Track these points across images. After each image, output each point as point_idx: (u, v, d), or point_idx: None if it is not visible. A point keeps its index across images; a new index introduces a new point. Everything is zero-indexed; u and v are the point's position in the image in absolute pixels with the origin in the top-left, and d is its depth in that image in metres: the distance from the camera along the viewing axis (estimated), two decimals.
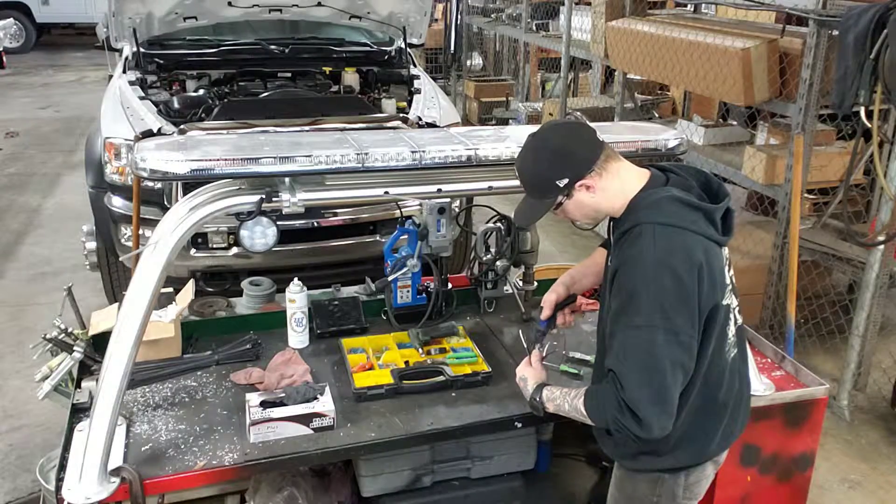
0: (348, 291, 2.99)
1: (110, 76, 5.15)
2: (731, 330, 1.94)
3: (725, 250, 1.92)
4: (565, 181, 1.84)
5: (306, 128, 4.06)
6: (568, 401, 1.96)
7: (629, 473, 2.04)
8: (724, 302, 1.86)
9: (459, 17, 8.74)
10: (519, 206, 1.97)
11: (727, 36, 4.33)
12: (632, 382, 1.73)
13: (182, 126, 3.98)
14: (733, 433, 2.04)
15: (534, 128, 2.05)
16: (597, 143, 1.88)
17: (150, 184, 3.78)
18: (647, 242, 1.75)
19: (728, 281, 1.91)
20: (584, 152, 1.86)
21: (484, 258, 2.93)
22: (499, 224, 2.89)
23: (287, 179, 2.12)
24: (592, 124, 2.04)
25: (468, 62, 10.41)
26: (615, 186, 1.86)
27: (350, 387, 2.33)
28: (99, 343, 2.38)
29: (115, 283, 4.32)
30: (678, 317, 1.73)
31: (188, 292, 2.71)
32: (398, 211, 3.23)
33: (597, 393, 1.87)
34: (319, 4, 5.12)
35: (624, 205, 1.86)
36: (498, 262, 2.90)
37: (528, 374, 2.14)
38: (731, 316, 1.93)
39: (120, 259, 3.75)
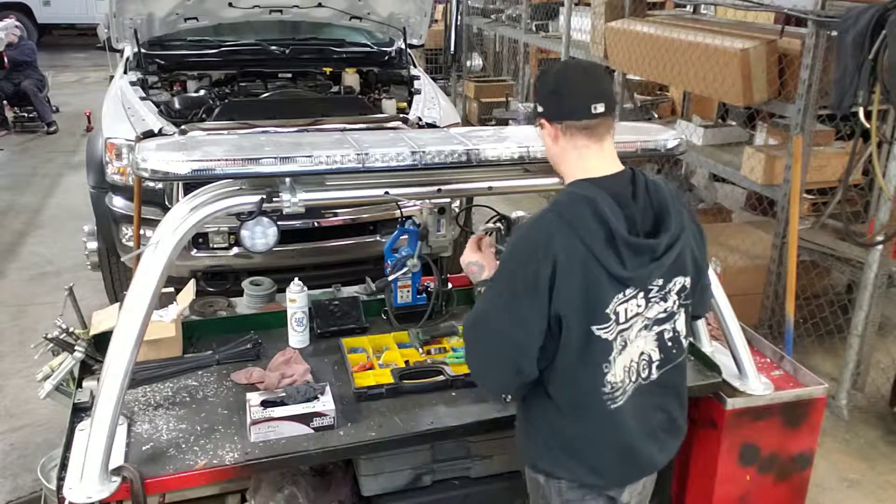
0: (348, 291, 2.98)
1: (111, 77, 5.16)
2: (619, 376, 1.81)
3: (641, 300, 1.80)
4: (540, 109, 1.88)
5: (307, 128, 4.07)
6: None
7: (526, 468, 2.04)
8: (603, 335, 1.76)
9: (459, 17, 8.74)
10: None
11: (726, 37, 4.34)
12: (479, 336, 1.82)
13: (183, 126, 3.99)
14: (618, 478, 1.93)
15: (533, 128, 2.06)
16: (585, 108, 1.78)
17: (151, 184, 3.79)
18: (531, 220, 1.82)
19: (627, 323, 1.79)
20: (567, 103, 1.82)
21: None
22: (499, 224, 2.89)
23: (287, 180, 2.12)
24: None
25: (468, 63, 10.41)
26: (571, 157, 1.84)
27: (350, 386, 2.34)
28: (100, 343, 2.38)
29: (116, 282, 4.33)
30: (511, 288, 1.76)
31: (189, 292, 2.71)
32: (398, 211, 3.23)
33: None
34: (320, 5, 5.13)
35: (567, 180, 1.87)
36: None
37: (480, 260, 2.17)
38: (623, 362, 1.82)
39: (121, 259, 3.76)
